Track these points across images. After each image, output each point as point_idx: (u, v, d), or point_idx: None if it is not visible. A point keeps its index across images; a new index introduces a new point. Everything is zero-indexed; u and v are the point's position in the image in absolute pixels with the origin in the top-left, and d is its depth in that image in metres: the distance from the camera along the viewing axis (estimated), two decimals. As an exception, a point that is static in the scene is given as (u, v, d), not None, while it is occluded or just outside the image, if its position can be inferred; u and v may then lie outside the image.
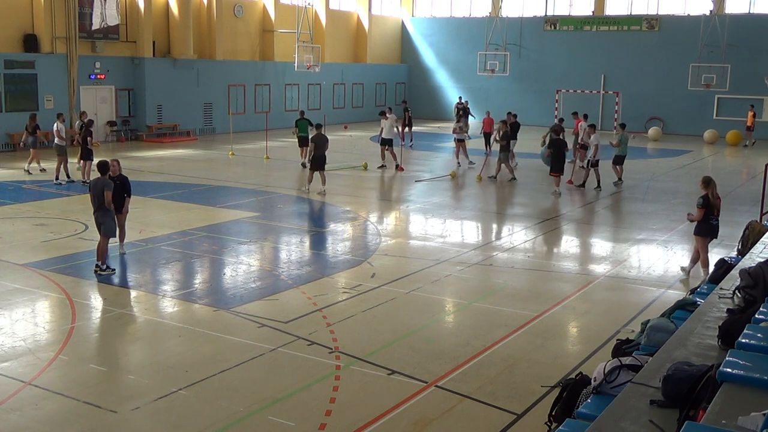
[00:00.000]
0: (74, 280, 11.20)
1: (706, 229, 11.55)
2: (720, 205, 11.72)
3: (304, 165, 22.46)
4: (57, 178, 19.53)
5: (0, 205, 16.78)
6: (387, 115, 23.60)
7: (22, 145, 22.05)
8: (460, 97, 37.79)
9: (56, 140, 19.77)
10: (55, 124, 20.08)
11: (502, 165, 21.42)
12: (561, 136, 20.01)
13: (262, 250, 13.76)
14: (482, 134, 28.27)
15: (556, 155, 19.59)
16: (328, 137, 19.28)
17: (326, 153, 18.81)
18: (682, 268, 12.27)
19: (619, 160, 21.13)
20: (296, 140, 24.11)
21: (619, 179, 21.18)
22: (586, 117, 23.72)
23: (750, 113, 33.17)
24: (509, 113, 24.88)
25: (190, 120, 32.35)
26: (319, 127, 19.33)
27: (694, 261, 11.96)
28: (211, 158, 26.05)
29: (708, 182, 11.59)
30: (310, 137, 20.44)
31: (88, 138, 19.69)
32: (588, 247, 14.61)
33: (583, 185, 20.41)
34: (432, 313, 10.22)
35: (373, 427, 6.84)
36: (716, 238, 11.91)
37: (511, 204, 18.86)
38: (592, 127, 21.38)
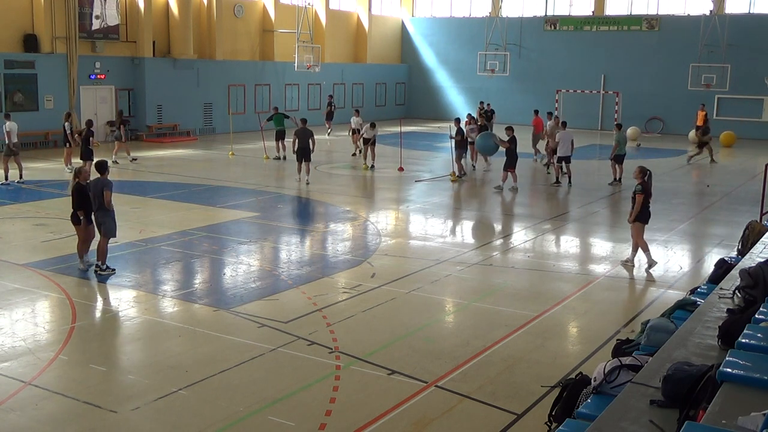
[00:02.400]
0: (74, 280, 11.21)
1: (644, 215, 12.19)
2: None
3: (277, 158, 24.82)
4: (6, 179, 19.28)
5: (0, 205, 16.79)
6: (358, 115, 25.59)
7: (113, 138, 24.90)
8: (481, 102, 37.18)
9: (16, 139, 19.51)
10: (6, 124, 19.71)
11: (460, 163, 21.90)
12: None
13: (262, 250, 13.75)
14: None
15: (511, 151, 19.94)
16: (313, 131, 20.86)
17: (310, 145, 20.31)
18: (624, 262, 12.64)
19: (618, 160, 21.22)
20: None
21: (617, 179, 21.20)
22: (550, 115, 24.40)
23: (701, 113, 32.28)
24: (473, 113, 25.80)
25: (190, 120, 32.35)
26: (303, 121, 21.02)
27: (635, 249, 12.48)
28: (211, 158, 26.06)
29: (644, 172, 12.21)
30: (285, 131, 24.64)
31: (90, 138, 19.68)
32: (588, 247, 14.60)
33: (557, 181, 20.93)
34: (432, 313, 10.21)
35: (373, 427, 6.84)
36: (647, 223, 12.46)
37: (511, 204, 18.85)
38: (564, 124, 21.97)
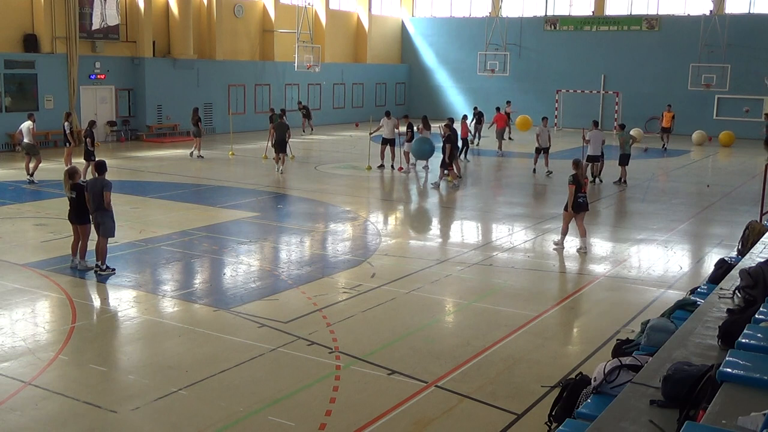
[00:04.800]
0: (74, 280, 11.20)
1: (575, 205, 13.14)
2: (587, 184, 13.50)
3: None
4: (31, 175, 19.56)
5: (0, 205, 16.79)
6: (390, 116, 24.22)
7: (190, 134, 26.70)
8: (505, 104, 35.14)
9: (25, 139, 19.80)
10: (26, 123, 20.04)
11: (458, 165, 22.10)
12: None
13: (262, 250, 13.75)
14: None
15: (451, 149, 20.37)
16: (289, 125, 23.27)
17: (287, 138, 22.34)
18: (555, 242, 13.77)
19: (623, 161, 21.23)
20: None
21: (622, 180, 21.18)
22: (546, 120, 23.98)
23: (668, 114, 31.34)
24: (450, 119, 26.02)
25: (190, 120, 32.28)
26: (280, 116, 23.65)
27: (583, 234, 13.46)
28: (211, 158, 26.04)
29: (578, 164, 13.32)
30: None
31: (87, 138, 19.67)
32: (588, 247, 14.59)
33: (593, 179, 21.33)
34: (432, 313, 10.21)
35: (373, 427, 6.84)
36: (587, 211, 13.57)
37: (511, 204, 18.85)
38: (595, 123, 22.33)
